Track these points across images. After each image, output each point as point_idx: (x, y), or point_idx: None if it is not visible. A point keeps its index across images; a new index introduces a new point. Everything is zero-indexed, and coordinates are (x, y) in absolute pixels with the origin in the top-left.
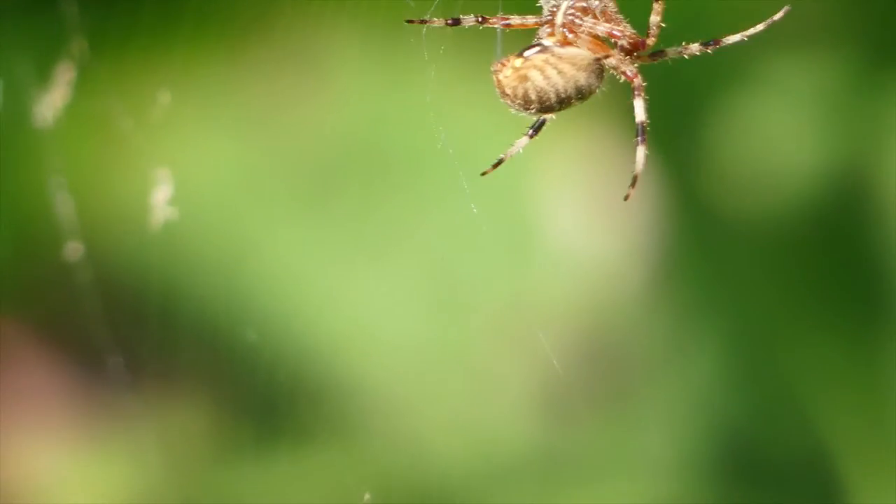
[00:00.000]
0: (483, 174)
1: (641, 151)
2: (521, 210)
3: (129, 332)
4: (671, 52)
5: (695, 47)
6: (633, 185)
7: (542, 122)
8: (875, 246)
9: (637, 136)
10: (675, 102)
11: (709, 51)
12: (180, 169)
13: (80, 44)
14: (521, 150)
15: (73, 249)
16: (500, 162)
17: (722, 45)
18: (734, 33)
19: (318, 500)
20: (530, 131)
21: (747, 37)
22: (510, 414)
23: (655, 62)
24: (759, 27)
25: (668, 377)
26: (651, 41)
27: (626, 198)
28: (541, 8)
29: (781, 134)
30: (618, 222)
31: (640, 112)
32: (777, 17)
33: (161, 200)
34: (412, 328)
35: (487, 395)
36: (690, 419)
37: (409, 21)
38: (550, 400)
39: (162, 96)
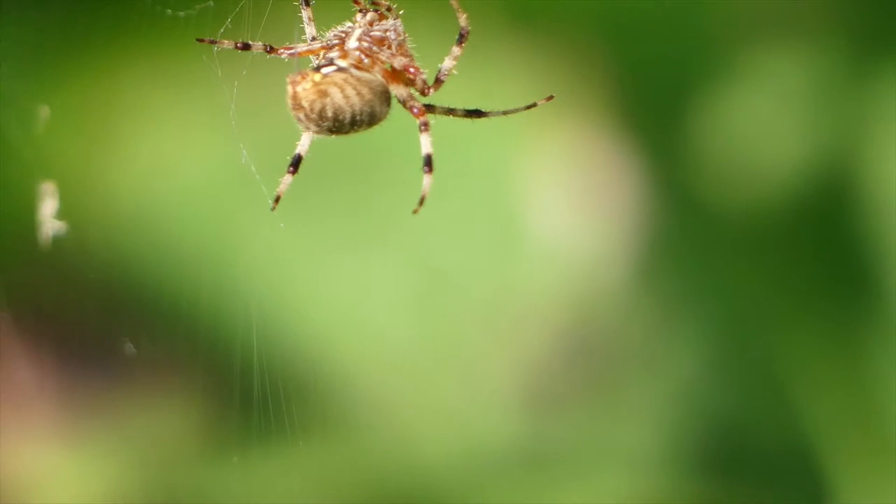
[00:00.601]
0: (272, 210)
1: (428, 179)
2: (507, 205)
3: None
4: (440, 109)
5: (460, 111)
6: (420, 204)
7: (300, 158)
8: (860, 239)
9: (424, 165)
10: (658, 96)
11: (472, 119)
12: (133, 162)
13: None
14: (287, 188)
15: None
16: (278, 199)
17: (487, 116)
18: (496, 112)
19: (306, 496)
20: (291, 168)
21: (507, 113)
22: (496, 407)
23: (425, 112)
24: (521, 108)
25: (653, 370)
26: (437, 87)
27: (414, 211)
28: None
29: (766, 127)
30: (602, 216)
31: (426, 146)
32: (541, 102)
33: (48, 214)
34: (398, 322)
35: (474, 389)
36: (675, 412)
37: (200, 40)
38: (536, 393)
39: (43, 109)
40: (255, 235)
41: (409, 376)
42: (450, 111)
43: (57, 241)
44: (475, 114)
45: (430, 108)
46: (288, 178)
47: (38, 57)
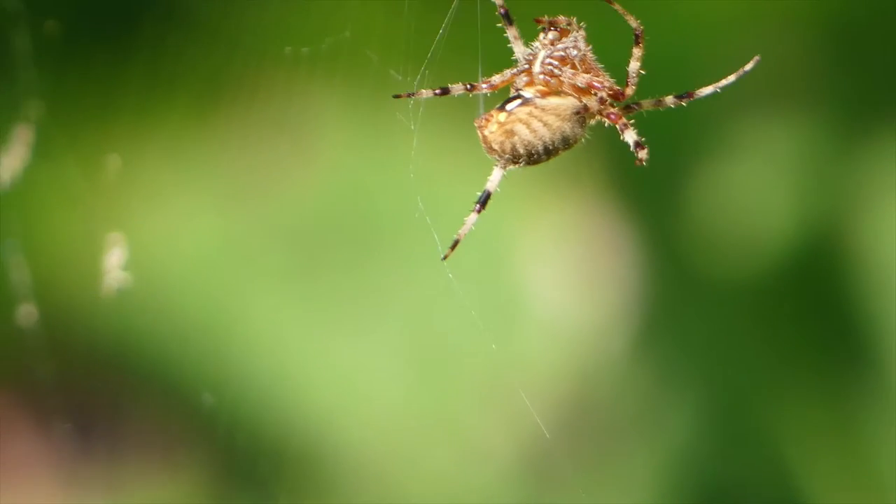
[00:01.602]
0: (444, 258)
1: (644, 154)
2: (505, 276)
3: (83, 398)
4: (646, 104)
5: (670, 100)
6: (644, 155)
7: (488, 195)
8: (854, 305)
9: (636, 149)
10: (655, 168)
11: (683, 103)
12: (138, 234)
13: (37, 106)
14: (472, 227)
15: (27, 313)
16: (456, 242)
17: (696, 97)
18: (707, 86)
19: None
20: (477, 206)
21: (720, 88)
22: (496, 478)
23: (631, 114)
24: (731, 78)
25: (649, 439)
26: (630, 91)
27: (639, 162)
28: (515, 60)
29: (759, 195)
30: (600, 287)
31: (632, 136)
32: (748, 67)
33: (115, 265)
34: (397, 392)
35: (473, 460)
36: (672, 480)
37: (397, 96)
38: (535, 463)
39: (113, 160)
40: (256, 308)
41: (408, 446)
42: (658, 102)
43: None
44: (685, 96)
45: (632, 108)
46: (473, 217)
47: (123, 106)
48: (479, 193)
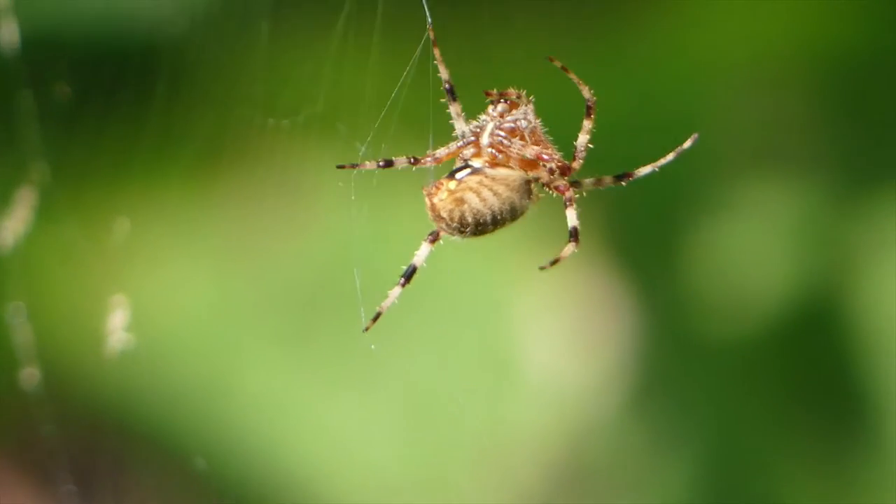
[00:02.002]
0: (365, 330)
1: (571, 248)
2: (499, 336)
3: (85, 459)
4: (587, 183)
5: (608, 180)
6: (553, 263)
7: (414, 270)
8: (851, 368)
9: (570, 238)
10: (649, 230)
11: (623, 183)
12: (141, 296)
13: (41, 168)
14: (395, 301)
15: (30, 375)
16: (378, 315)
17: (635, 177)
18: (645, 165)
19: None
20: (402, 280)
21: (658, 167)
22: None
23: (570, 188)
24: (670, 156)
25: (644, 500)
26: (577, 165)
27: (541, 267)
28: (456, 136)
29: (758, 257)
30: (594, 348)
31: (572, 219)
32: (686, 144)
33: (118, 327)
34: (391, 456)
35: None
36: None
37: (340, 166)
38: None
39: (117, 223)
40: (252, 370)
41: None
42: (597, 182)
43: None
44: (624, 177)
45: (576, 185)
46: (397, 291)
47: (130, 168)
48: (405, 267)
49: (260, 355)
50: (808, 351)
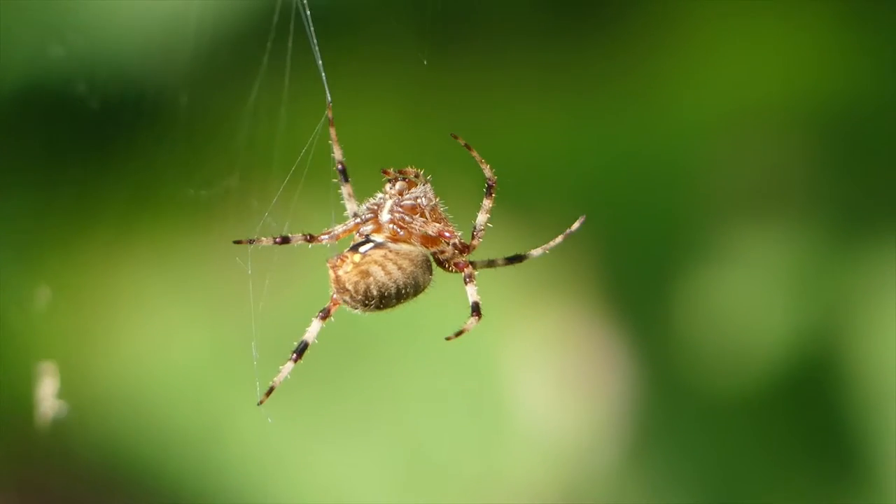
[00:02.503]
0: (259, 403)
1: (473, 322)
2: (493, 386)
3: None
4: (480, 264)
5: (501, 261)
6: (457, 335)
7: (305, 346)
8: (850, 416)
9: (472, 312)
10: (644, 277)
11: (514, 265)
12: (71, 362)
13: None
14: (288, 376)
15: None
16: (271, 389)
17: (527, 258)
18: (536, 247)
19: None
20: (294, 356)
21: (548, 250)
22: None
23: (469, 265)
24: (559, 239)
25: None
26: (476, 243)
27: (448, 338)
28: (346, 217)
29: (754, 304)
30: (588, 398)
31: (473, 294)
32: (574, 227)
33: (48, 393)
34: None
35: None
36: None
37: (237, 242)
38: None
39: (43, 291)
40: (244, 419)
41: None
42: (490, 263)
43: (57, 421)
44: (516, 259)
45: (471, 264)
46: (289, 366)
47: (41, 239)
48: (296, 343)
49: (251, 403)
50: (805, 399)
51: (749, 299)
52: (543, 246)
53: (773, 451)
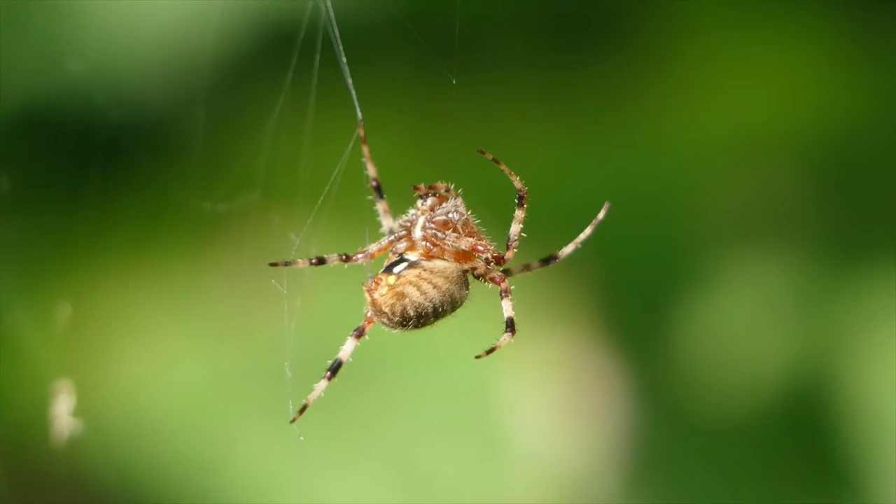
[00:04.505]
0: (292, 421)
1: (507, 338)
2: (492, 414)
3: None
4: (516, 270)
5: (536, 264)
6: (488, 352)
7: (340, 364)
8: (849, 444)
9: (507, 328)
10: (645, 301)
11: (550, 265)
12: (88, 380)
13: None
14: (322, 394)
15: None
16: (304, 407)
17: (560, 258)
18: (567, 244)
19: None
20: (328, 374)
21: (580, 243)
22: None
23: (506, 279)
24: (588, 231)
25: None
26: (510, 254)
27: (478, 357)
28: (383, 234)
29: (750, 333)
30: (588, 427)
31: (508, 309)
32: (600, 216)
33: (64, 413)
34: None
35: None
36: None
37: (273, 264)
38: None
39: (64, 308)
40: (242, 447)
41: None
42: (526, 267)
43: (73, 440)
44: (550, 259)
45: (507, 272)
46: (323, 384)
47: (62, 255)
48: (330, 362)
49: (250, 430)
50: (804, 425)
51: (748, 326)
52: (574, 241)
53: (772, 477)
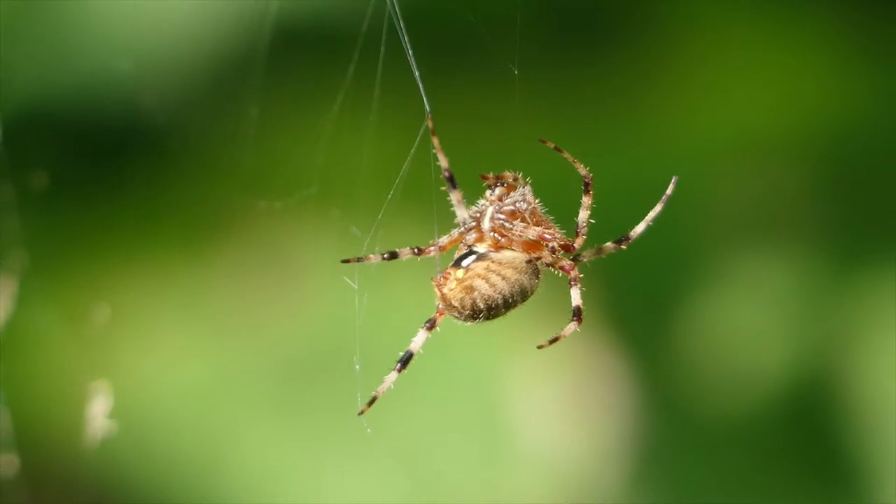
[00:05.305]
0: (360, 413)
1: (573, 326)
2: (496, 410)
3: None
4: (587, 255)
5: (609, 246)
6: (552, 341)
7: (410, 356)
8: (852, 443)
9: (573, 317)
10: (648, 299)
11: (623, 247)
12: (123, 381)
13: (21, 256)
14: (391, 386)
15: (8, 463)
16: (373, 399)
17: (633, 238)
18: (640, 227)
19: None
20: (398, 366)
21: (651, 221)
22: None
23: (575, 266)
24: (658, 207)
25: None
26: (580, 241)
27: (540, 347)
28: (457, 223)
29: (755, 331)
30: (592, 425)
31: (576, 298)
32: (669, 191)
33: (100, 413)
34: None
35: None
36: None
37: (345, 261)
38: None
39: (101, 308)
40: (247, 444)
41: None
42: (598, 251)
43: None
44: (623, 240)
45: (578, 258)
46: (393, 376)
47: (102, 252)
48: (401, 353)
49: (255, 428)
50: (807, 424)
51: (751, 325)
52: (645, 219)
53: (776, 476)
